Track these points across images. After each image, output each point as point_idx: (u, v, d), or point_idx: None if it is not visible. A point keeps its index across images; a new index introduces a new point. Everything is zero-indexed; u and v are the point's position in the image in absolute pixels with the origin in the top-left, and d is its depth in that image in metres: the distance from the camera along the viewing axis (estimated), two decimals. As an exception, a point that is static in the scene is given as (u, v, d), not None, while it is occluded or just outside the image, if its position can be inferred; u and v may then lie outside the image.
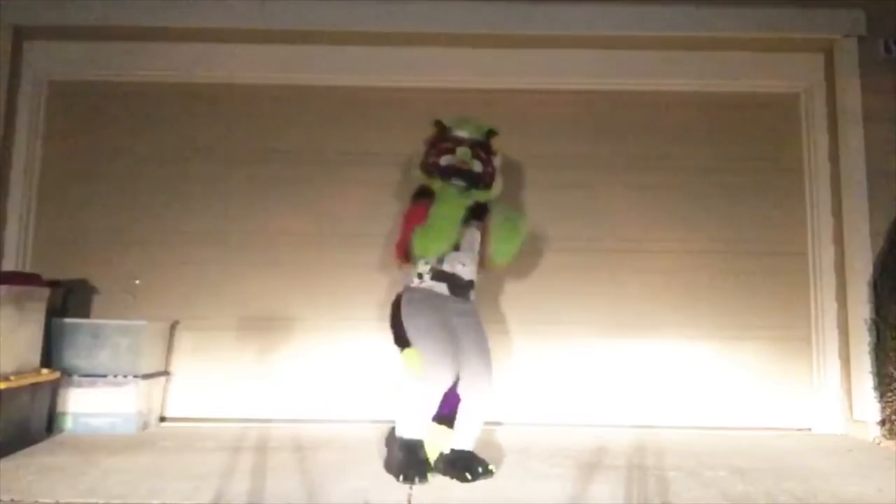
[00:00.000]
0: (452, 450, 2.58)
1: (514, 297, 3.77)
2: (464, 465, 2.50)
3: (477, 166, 2.80)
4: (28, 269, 3.68)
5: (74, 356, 3.33)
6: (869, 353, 3.48)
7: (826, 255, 3.76)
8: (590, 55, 3.91)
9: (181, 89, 3.93)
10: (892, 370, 3.31)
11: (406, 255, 2.75)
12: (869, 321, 3.49)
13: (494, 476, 2.52)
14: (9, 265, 3.70)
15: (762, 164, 3.89)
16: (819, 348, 3.73)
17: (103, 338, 3.35)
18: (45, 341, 3.25)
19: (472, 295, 2.83)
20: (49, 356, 3.29)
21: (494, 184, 2.88)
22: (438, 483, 2.45)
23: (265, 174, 3.87)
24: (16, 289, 3.02)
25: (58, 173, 3.87)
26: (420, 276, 2.75)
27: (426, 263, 2.72)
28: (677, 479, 2.56)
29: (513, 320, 3.75)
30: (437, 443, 2.60)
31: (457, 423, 2.63)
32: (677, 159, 3.89)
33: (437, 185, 2.79)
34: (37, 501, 2.18)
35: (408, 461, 2.47)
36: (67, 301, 3.59)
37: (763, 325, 3.76)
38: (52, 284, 3.33)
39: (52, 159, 3.88)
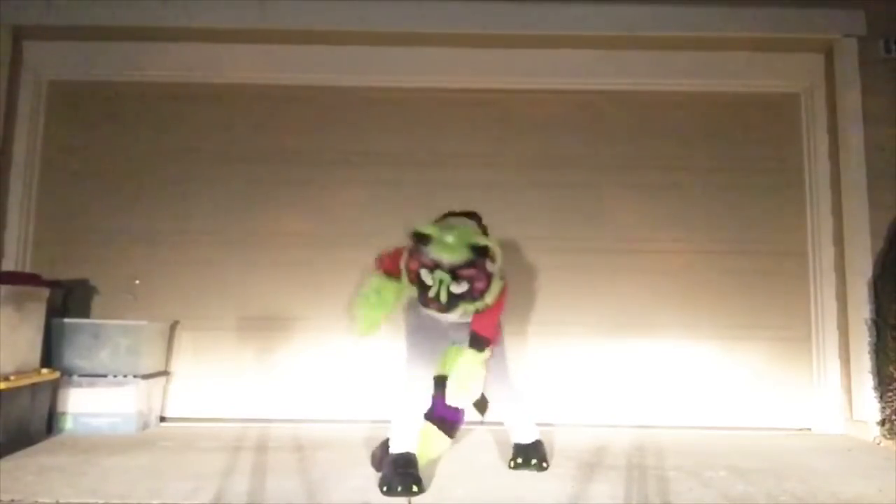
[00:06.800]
0: (516, 444, 2.70)
1: (514, 297, 3.74)
2: (531, 456, 2.65)
3: (459, 287, 2.39)
4: (28, 269, 3.68)
5: (74, 356, 3.33)
6: (869, 353, 3.48)
7: (826, 255, 3.76)
8: (590, 55, 3.91)
9: (181, 89, 3.93)
10: (892, 370, 3.32)
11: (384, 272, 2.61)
12: (869, 321, 3.50)
13: (496, 475, 2.54)
14: (9, 265, 3.69)
15: (762, 164, 3.89)
16: (819, 348, 3.73)
17: (103, 338, 3.35)
18: (45, 341, 3.25)
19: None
20: (49, 356, 3.29)
21: (490, 288, 2.47)
22: (438, 483, 2.45)
23: (265, 174, 3.87)
24: (16, 289, 3.02)
25: (58, 173, 3.87)
26: None
27: None
28: (677, 479, 2.56)
29: (513, 320, 3.73)
30: (430, 445, 2.58)
31: (506, 423, 2.78)
32: (677, 159, 3.89)
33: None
34: (37, 501, 2.18)
35: (393, 473, 2.34)
36: (67, 301, 3.59)
37: (763, 325, 3.76)
38: (52, 284, 3.33)
39: (52, 159, 3.88)
